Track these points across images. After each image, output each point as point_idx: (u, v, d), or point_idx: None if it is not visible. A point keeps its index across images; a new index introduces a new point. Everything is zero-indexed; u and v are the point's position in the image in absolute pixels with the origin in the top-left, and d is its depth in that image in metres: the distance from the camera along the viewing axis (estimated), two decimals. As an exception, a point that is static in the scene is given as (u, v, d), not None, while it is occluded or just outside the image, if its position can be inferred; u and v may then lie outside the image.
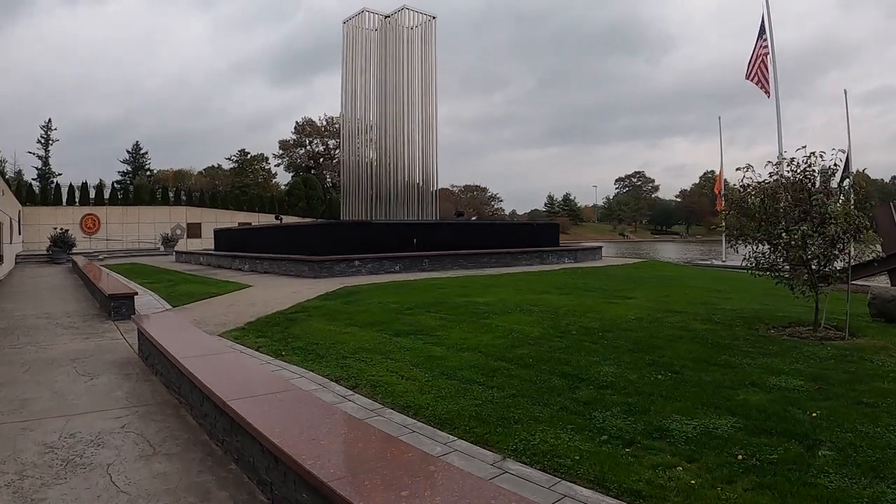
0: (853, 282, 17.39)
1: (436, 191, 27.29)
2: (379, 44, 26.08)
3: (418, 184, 26.69)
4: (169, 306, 12.06)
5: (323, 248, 18.78)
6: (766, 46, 27.97)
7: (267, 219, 49.17)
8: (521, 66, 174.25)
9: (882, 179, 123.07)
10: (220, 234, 30.05)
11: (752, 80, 28.50)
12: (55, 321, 10.55)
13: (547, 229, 28.07)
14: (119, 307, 10.50)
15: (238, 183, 76.75)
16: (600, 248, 28.10)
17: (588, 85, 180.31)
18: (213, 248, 30.50)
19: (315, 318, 10.08)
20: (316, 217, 53.90)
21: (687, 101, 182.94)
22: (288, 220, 49.30)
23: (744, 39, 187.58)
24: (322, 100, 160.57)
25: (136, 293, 11.07)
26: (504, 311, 10.31)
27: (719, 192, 37.65)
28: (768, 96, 28.49)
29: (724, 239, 30.41)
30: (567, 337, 8.16)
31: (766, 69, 27.90)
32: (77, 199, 46.40)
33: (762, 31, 28.33)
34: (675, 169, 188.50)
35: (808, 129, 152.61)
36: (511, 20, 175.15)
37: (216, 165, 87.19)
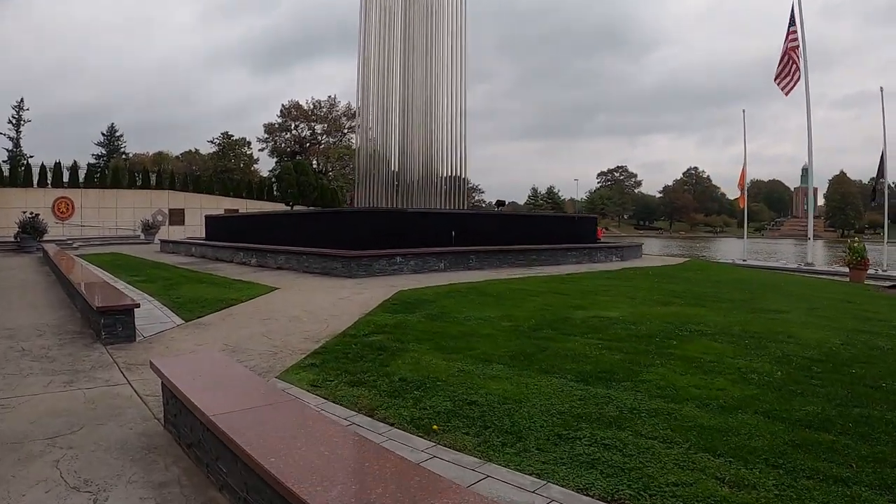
0: None
1: (464, 179, 24.03)
2: (401, 16, 22.65)
3: (446, 172, 23.45)
4: (179, 320, 8.61)
5: (352, 240, 15.47)
6: (795, 39, 25.40)
7: (255, 205, 45.76)
8: (505, 62, 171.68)
9: (861, 180, 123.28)
10: (215, 222, 26.46)
11: (777, 81, 26.06)
12: (19, 344, 7.12)
13: (587, 223, 24.97)
14: (112, 325, 7.11)
15: (220, 167, 73.69)
16: (641, 245, 25.21)
17: (570, 82, 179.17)
18: (202, 236, 26.99)
19: (413, 346, 6.80)
20: (308, 204, 50.37)
21: (667, 100, 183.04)
22: (270, 207, 45.95)
23: (725, 42, 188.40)
24: (304, 88, 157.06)
25: (138, 305, 7.60)
26: (664, 333, 7.51)
27: (742, 188, 35.45)
28: (786, 94, 26.00)
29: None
30: (827, 379, 5.62)
31: (798, 59, 25.32)
32: (49, 181, 42.34)
33: (792, 21, 25.83)
34: (653, 165, 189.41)
35: (787, 130, 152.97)
36: (496, 17, 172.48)
37: (194, 150, 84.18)
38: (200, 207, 42.54)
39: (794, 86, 25.39)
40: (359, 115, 24.25)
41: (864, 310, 9.92)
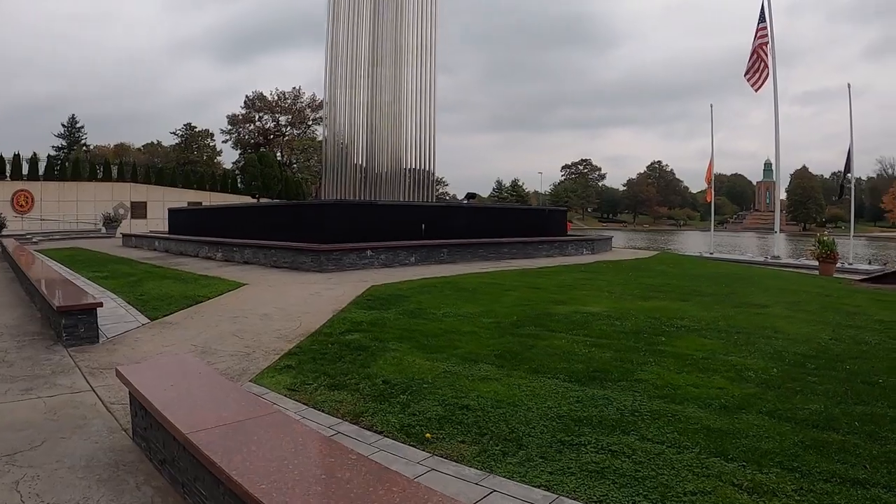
0: None
1: (432, 172, 23.64)
2: (370, 7, 22.16)
3: (413, 164, 23.06)
4: (144, 319, 8.14)
5: (321, 233, 15.03)
6: (764, 35, 25.60)
7: (219, 198, 44.86)
8: (469, 55, 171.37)
9: (822, 175, 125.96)
10: (178, 215, 25.67)
11: (747, 77, 26.25)
12: (-28, 347, 6.62)
13: (557, 216, 24.80)
14: (74, 326, 6.65)
15: (183, 159, 72.38)
16: (611, 238, 25.15)
17: (534, 75, 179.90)
18: (165, 229, 26.19)
19: (393, 346, 6.47)
20: (272, 197, 49.55)
21: (629, 95, 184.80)
22: (235, 199, 45.09)
23: (686, 39, 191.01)
24: (269, 80, 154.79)
25: (101, 304, 7.13)
26: (650, 328, 7.31)
27: (709, 182, 35.79)
28: (756, 90, 26.23)
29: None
30: (823, 376, 5.47)
31: (766, 56, 25.53)
32: (8, 174, 40.97)
33: (762, 17, 26.03)
34: (614, 159, 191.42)
35: (748, 126, 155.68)
36: (461, 10, 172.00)
37: (156, 142, 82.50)
38: (163, 200, 41.47)
39: (763, 82, 25.54)
40: (326, 106, 23.69)
41: (844, 304, 9.86)
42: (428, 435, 4.02)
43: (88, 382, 5.25)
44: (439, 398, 4.73)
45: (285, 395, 4.96)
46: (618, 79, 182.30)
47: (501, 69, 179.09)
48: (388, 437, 4.05)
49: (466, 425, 4.19)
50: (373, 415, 4.45)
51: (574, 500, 3.19)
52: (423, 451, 3.82)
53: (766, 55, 25.12)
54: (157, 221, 39.17)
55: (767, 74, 25.43)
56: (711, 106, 33.08)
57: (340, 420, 4.39)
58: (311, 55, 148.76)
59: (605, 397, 4.72)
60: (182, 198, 43.80)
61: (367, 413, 4.48)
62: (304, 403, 4.76)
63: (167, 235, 23.15)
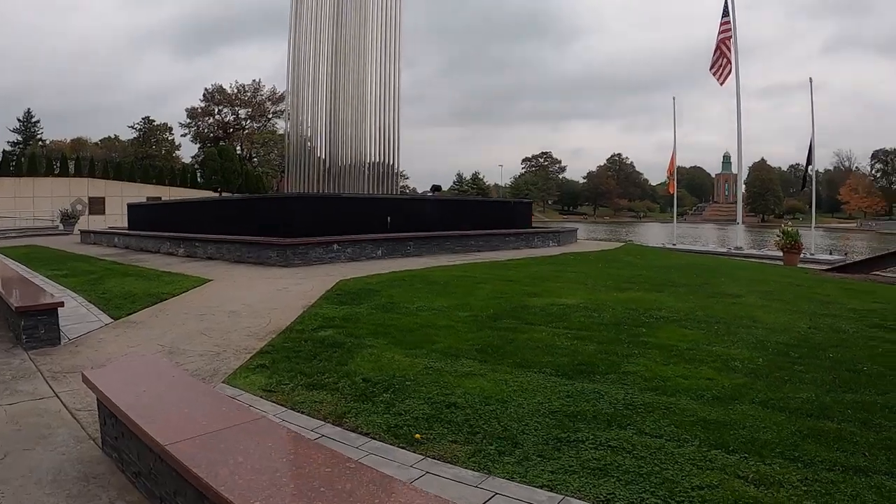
0: (878, 272, 15.85)
1: (396, 165, 23.35)
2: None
3: (377, 158, 22.75)
4: (107, 318, 7.77)
5: (286, 227, 14.67)
6: (727, 30, 25.94)
7: (179, 192, 43.83)
8: (430, 48, 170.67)
9: (780, 167, 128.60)
10: (138, 210, 24.91)
11: (713, 71, 26.61)
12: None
13: (522, 208, 24.73)
14: (34, 327, 6.29)
15: (142, 154, 70.86)
16: (576, 230, 25.24)
17: (494, 68, 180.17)
18: (125, 225, 25.41)
19: (369, 342, 6.25)
20: (232, 191, 48.65)
21: (589, 88, 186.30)
22: (195, 194, 44.16)
23: (645, 33, 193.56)
24: (228, 72, 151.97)
25: (62, 303, 6.75)
26: (629, 320, 7.22)
27: (672, 174, 36.24)
28: (721, 84, 26.61)
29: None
30: (809, 364, 5.43)
31: (728, 50, 25.86)
32: (-38, 170, 39.50)
33: (725, 11, 26.37)
34: (574, 152, 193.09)
35: (707, 119, 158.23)
36: (423, 4, 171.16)
37: (114, 136, 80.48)
38: (122, 195, 40.32)
39: (727, 76, 25.80)
40: (289, 98, 23.21)
41: (816, 293, 9.92)
42: (417, 436, 3.83)
43: (52, 388, 4.93)
44: (424, 396, 4.54)
45: (261, 397, 4.72)
46: (578, 72, 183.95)
47: (462, 62, 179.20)
48: (375, 439, 3.85)
49: (456, 424, 4.01)
50: (356, 415, 4.24)
51: (580, 500, 3.04)
52: (415, 453, 3.62)
53: (729, 50, 25.38)
54: (115, 217, 38.13)
55: (731, 69, 25.70)
56: (674, 99, 33.56)
57: (322, 422, 4.17)
58: (272, 47, 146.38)
59: (595, 391, 4.58)
60: (141, 193, 42.70)
61: (351, 414, 4.27)
62: (281, 405, 4.53)
63: (127, 231, 22.50)
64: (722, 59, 25.62)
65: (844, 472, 3.35)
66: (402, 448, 3.70)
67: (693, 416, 4.10)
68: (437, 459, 3.52)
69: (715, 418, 4.08)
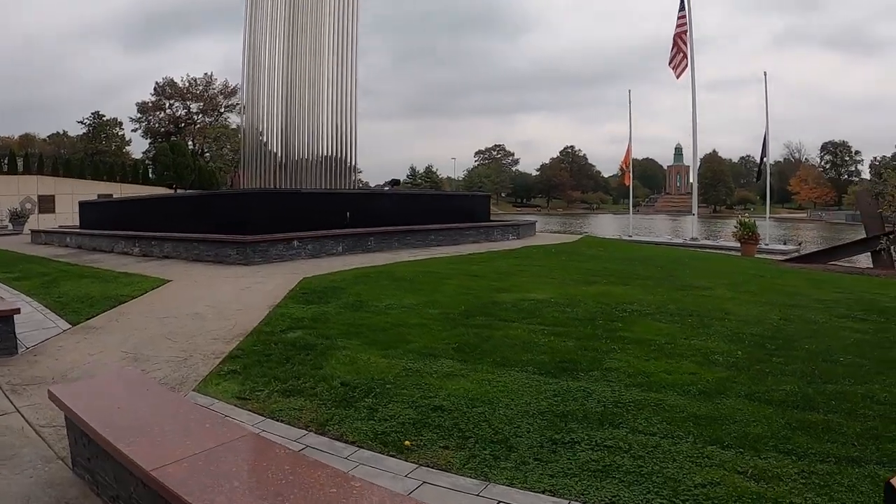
0: (835, 262, 16.31)
1: (353, 159, 23.03)
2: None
3: (333, 152, 22.39)
4: (66, 324, 7.39)
5: (244, 223, 14.34)
6: (683, 24, 26.37)
7: (131, 189, 42.63)
8: (381, 40, 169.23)
9: (731, 159, 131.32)
10: (91, 208, 23.98)
11: (671, 65, 27.06)
12: None
13: (481, 201, 24.68)
14: (-14, 336, 5.93)
15: (92, 149, 68.73)
16: (535, 223, 25.32)
17: (446, 61, 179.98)
18: (77, 224, 24.43)
19: (342, 343, 6.07)
20: (185, 187, 47.54)
21: (540, 81, 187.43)
22: (147, 191, 43.08)
23: (596, 27, 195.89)
24: (180, 65, 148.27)
25: (17, 310, 6.37)
26: (603, 314, 7.18)
27: (627, 166, 36.73)
28: (677, 77, 27.08)
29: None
30: (786, 356, 5.47)
31: (684, 44, 26.31)
32: None
33: (682, 6, 26.79)
34: (527, 144, 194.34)
35: (658, 112, 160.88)
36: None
37: (62, 132, 77.96)
38: (72, 193, 38.33)
39: (683, 70, 26.18)
40: (244, 93, 22.67)
41: (780, 284, 10.09)
42: (407, 443, 3.69)
43: (12, 403, 4.61)
44: (407, 400, 4.40)
45: (236, 405, 4.51)
46: (529, 64, 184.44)
47: (413, 55, 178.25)
48: (363, 447, 3.69)
49: (445, 429, 3.88)
50: (339, 423, 4.07)
51: (585, 505, 2.94)
52: (407, 461, 3.48)
53: (685, 44, 25.76)
54: (66, 216, 36.76)
55: (687, 63, 26.09)
56: (630, 92, 33.81)
57: (305, 431, 3.99)
58: (225, 39, 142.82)
59: (582, 389, 4.51)
60: (92, 190, 41.01)
61: (333, 421, 4.10)
62: (258, 414, 4.33)
63: (80, 231, 21.69)
64: (679, 54, 25.99)
65: (838, 463, 3.36)
66: (393, 456, 3.56)
67: (683, 412, 4.06)
68: (432, 467, 3.39)
69: (705, 413, 4.05)
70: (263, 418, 4.24)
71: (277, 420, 4.20)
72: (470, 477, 3.26)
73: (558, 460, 3.41)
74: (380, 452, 3.62)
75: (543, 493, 3.08)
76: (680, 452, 3.47)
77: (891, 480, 0.73)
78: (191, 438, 2.67)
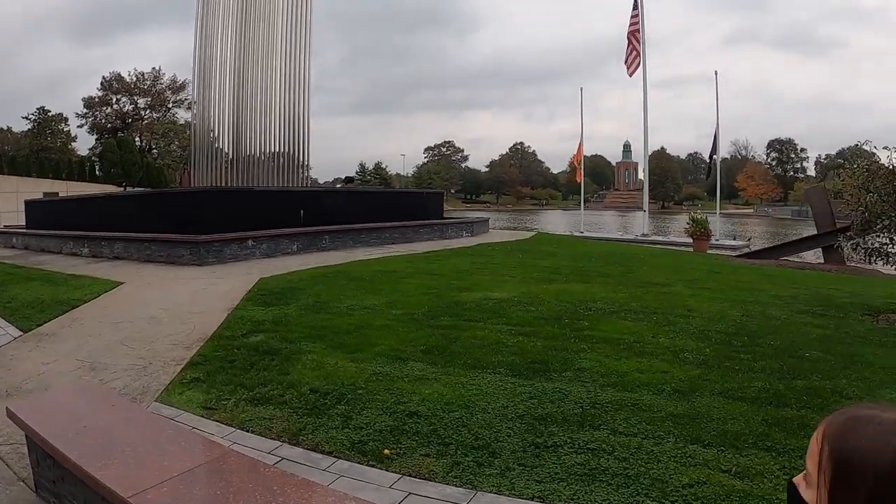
0: (787, 258, 16.75)
1: (305, 156, 22.69)
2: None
3: (285, 149, 22.01)
4: (16, 331, 7.04)
5: (197, 223, 13.95)
6: (636, 23, 26.81)
7: (78, 187, 41.19)
8: (331, 37, 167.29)
9: (679, 156, 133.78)
10: (37, 207, 23.08)
11: (626, 63, 27.52)
12: None
13: (435, 199, 24.62)
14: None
15: (37, 146, 66.20)
16: (488, 220, 25.44)
17: (395, 58, 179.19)
18: (22, 224, 23.57)
19: (307, 346, 5.93)
20: (133, 184, 46.20)
21: (489, 78, 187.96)
22: (95, 188, 41.75)
23: (547, 24, 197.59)
24: (127, 59, 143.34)
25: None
26: (568, 313, 7.16)
27: (578, 163, 37.19)
28: (630, 75, 27.56)
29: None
30: (753, 353, 5.54)
31: (637, 43, 26.75)
32: None
33: (635, 4, 27.24)
34: (476, 141, 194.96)
35: (606, 109, 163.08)
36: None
37: (6, 128, 74.94)
38: (16, 191, 37.05)
39: (636, 68, 26.53)
40: (194, 89, 22.09)
41: (737, 280, 10.26)
42: (386, 451, 3.59)
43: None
44: (381, 406, 4.29)
45: (202, 416, 4.34)
46: (478, 61, 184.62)
47: (362, 52, 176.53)
48: (341, 458, 3.58)
49: (424, 435, 3.79)
50: (313, 432, 3.95)
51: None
52: (389, 471, 3.39)
53: (639, 42, 26.11)
54: (11, 215, 35.34)
55: (640, 61, 26.45)
56: (581, 89, 34.29)
57: (279, 442, 3.85)
58: (173, 34, 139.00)
59: (557, 391, 4.47)
60: (37, 188, 39.64)
61: (307, 430, 3.97)
62: (227, 424, 4.17)
63: (26, 231, 20.91)
64: (633, 52, 26.35)
65: (817, 459, 3.37)
66: (373, 466, 3.46)
67: (661, 412, 4.05)
68: (415, 477, 3.31)
69: (682, 412, 4.05)
70: (233, 429, 4.09)
71: (248, 431, 4.05)
72: (455, 486, 3.19)
73: (543, 465, 3.35)
74: (359, 463, 3.51)
75: (533, 499, 3.03)
76: (663, 453, 3.46)
77: (793, 479, 0.71)
78: (167, 458, 2.51)
